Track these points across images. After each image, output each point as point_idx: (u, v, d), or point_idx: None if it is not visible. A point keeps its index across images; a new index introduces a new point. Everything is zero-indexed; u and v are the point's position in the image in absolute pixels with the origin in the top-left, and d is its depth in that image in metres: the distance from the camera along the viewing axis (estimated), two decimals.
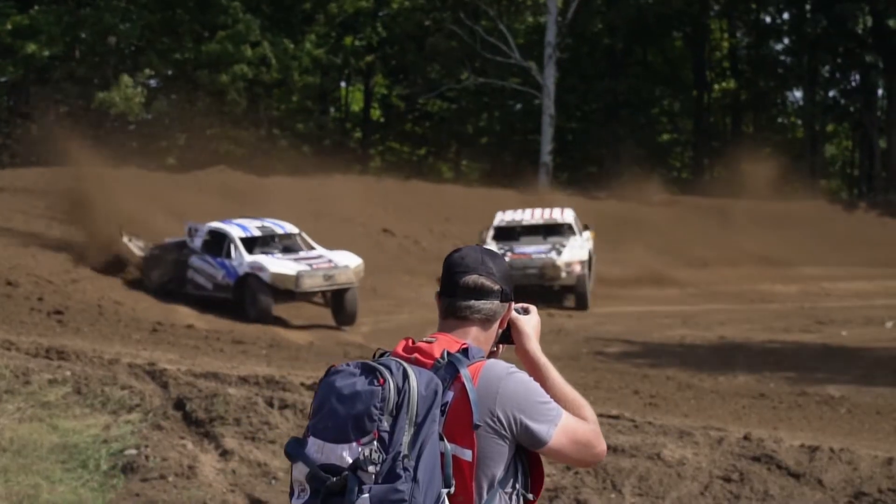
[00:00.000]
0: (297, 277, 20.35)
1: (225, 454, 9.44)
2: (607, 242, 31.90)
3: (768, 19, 48.33)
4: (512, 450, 3.34)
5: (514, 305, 3.57)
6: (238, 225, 22.21)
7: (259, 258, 20.99)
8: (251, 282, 20.64)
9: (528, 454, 3.39)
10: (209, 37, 41.68)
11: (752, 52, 49.10)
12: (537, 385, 3.39)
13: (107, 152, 40.07)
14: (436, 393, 3.23)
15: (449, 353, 3.33)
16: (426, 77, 45.83)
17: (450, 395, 3.28)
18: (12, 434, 9.90)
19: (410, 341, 3.41)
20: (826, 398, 14.82)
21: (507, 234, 26.20)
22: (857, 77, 45.01)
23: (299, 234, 22.47)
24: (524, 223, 26.37)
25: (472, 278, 3.46)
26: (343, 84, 50.90)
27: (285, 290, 20.57)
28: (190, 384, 10.65)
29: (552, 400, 3.38)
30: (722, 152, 49.10)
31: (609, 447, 9.55)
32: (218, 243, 21.65)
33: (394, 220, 32.78)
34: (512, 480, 3.37)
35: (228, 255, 21.27)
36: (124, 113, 41.05)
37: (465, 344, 3.39)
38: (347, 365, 3.30)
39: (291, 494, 3.26)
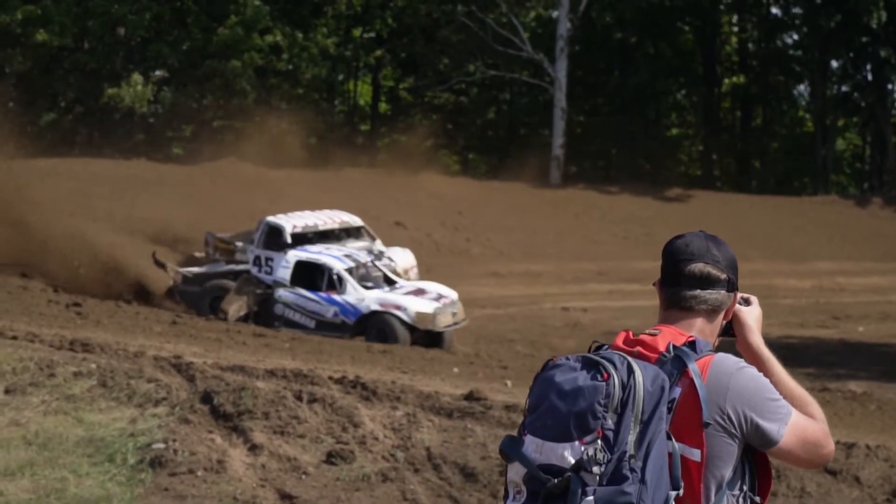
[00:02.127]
0: (435, 316, 19.23)
1: (254, 448, 9.33)
2: (620, 237, 31.82)
3: (777, 12, 48.19)
4: (740, 449, 3.16)
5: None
6: (330, 255, 20.57)
7: (388, 295, 19.66)
8: (382, 320, 19.18)
9: (755, 454, 3.22)
10: (218, 27, 41.52)
11: (762, 46, 48.94)
12: (767, 381, 3.21)
13: (114, 143, 40.10)
14: (662, 389, 3.04)
15: (675, 347, 3.15)
16: (436, 69, 45.70)
17: (677, 391, 3.10)
18: (38, 427, 9.80)
19: (630, 333, 3.22)
20: (853, 395, 14.71)
21: (304, 240, 23.05)
22: (870, 71, 44.84)
23: (373, 262, 21.23)
24: (320, 228, 23.35)
25: (699, 266, 3.28)
26: (348, 77, 50.74)
27: (424, 330, 19.21)
28: (217, 377, 10.52)
29: (782, 397, 3.20)
30: (731, 146, 49.03)
31: None
32: (312, 275, 20.03)
33: (405, 213, 32.67)
34: (739, 482, 3.19)
35: (333, 289, 19.70)
36: (132, 107, 40.92)
37: (691, 337, 3.20)
38: (567, 359, 3.10)
39: (506, 497, 3.09)
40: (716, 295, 3.29)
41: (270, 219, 22.92)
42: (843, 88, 46.38)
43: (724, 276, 3.30)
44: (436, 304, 19.37)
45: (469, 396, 10.67)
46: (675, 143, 51.21)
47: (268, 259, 20.28)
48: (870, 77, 44.95)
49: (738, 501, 3.19)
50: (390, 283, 20.53)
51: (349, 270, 19.96)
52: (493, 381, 14.26)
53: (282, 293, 19.86)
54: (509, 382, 14.25)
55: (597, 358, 3.06)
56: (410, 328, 19.07)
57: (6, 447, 9.36)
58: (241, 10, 40.74)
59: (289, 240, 22.01)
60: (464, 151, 51.64)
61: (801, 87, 50.14)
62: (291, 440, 9.50)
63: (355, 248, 22.79)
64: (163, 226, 24.99)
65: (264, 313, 19.81)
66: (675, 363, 3.13)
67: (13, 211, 22.32)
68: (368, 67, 49.36)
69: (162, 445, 9.29)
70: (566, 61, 41.14)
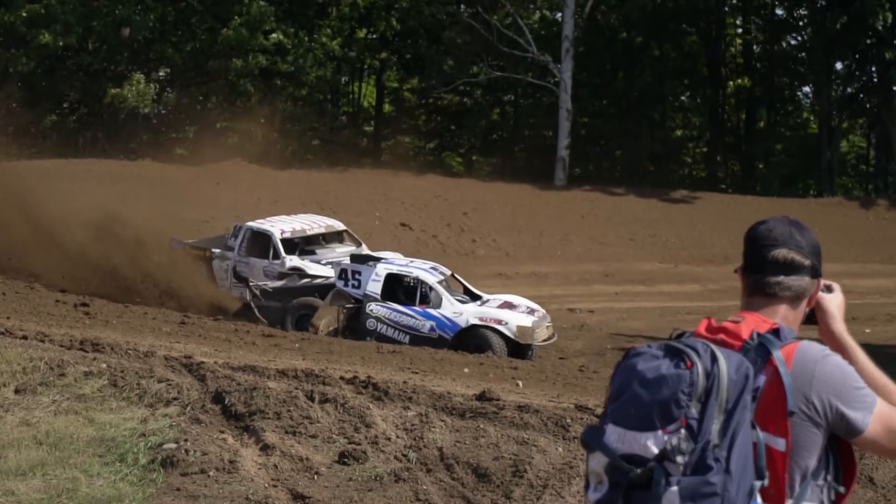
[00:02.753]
0: (534, 329, 18.73)
1: (266, 448, 9.28)
2: (625, 238, 31.78)
3: (781, 12, 48.12)
4: (825, 438, 3.13)
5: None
6: (420, 268, 19.93)
7: (486, 309, 19.08)
8: (480, 335, 18.64)
9: (839, 443, 3.18)
10: (222, 27, 41.47)
11: (767, 48, 48.90)
12: (853, 369, 3.17)
13: (118, 144, 40.09)
14: (746, 377, 3.00)
15: (759, 334, 3.12)
16: (441, 71, 45.64)
17: (761, 379, 3.06)
18: (48, 427, 9.76)
19: (713, 321, 3.19)
20: None
21: (292, 246, 22.01)
22: (875, 73, 44.77)
23: (452, 274, 20.62)
24: (308, 233, 22.40)
25: (782, 252, 3.24)
26: (353, 79, 50.74)
27: (524, 345, 18.74)
28: (228, 377, 10.49)
29: (866, 385, 3.16)
30: (736, 148, 48.99)
31: None
32: (401, 289, 19.45)
33: (411, 214, 32.66)
34: (824, 472, 3.16)
35: (426, 303, 19.14)
36: (136, 107, 40.89)
37: (775, 324, 3.16)
38: (649, 347, 3.06)
39: (587, 487, 3.04)
40: (800, 281, 3.26)
41: (253, 224, 22.14)
42: (848, 90, 46.29)
43: (807, 262, 3.27)
44: (533, 318, 18.93)
45: (481, 397, 10.63)
46: (680, 144, 51.18)
47: (355, 272, 19.53)
48: (875, 79, 44.89)
49: (822, 491, 3.16)
50: (472, 295, 19.96)
51: (441, 283, 19.43)
52: (503, 381, 14.24)
53: (374, 307, 19.20)
54: (520, 383, 14.23)
55: (680, 346, 3.02)
56: (507, 342, 18.59)
57: (17, 447, 9.32)
58: (245, 11, 40.71)
59: (280, 246, 21.33)
60: (468, 153, 51.62)
61: (806, 89, 50.13)
62: (303, 440, 9.46)
63: (344, 253, 22.08)
64: (168, 227, 24.89)
65: (354, 328, 19.17)
66: (760, 351, 3.09)
67: (19, 214, 22.22)
68: (372, 69, 49.33)
69: (173, 445, 9.24)
70: (571, 62, 41.08)
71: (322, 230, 22.60)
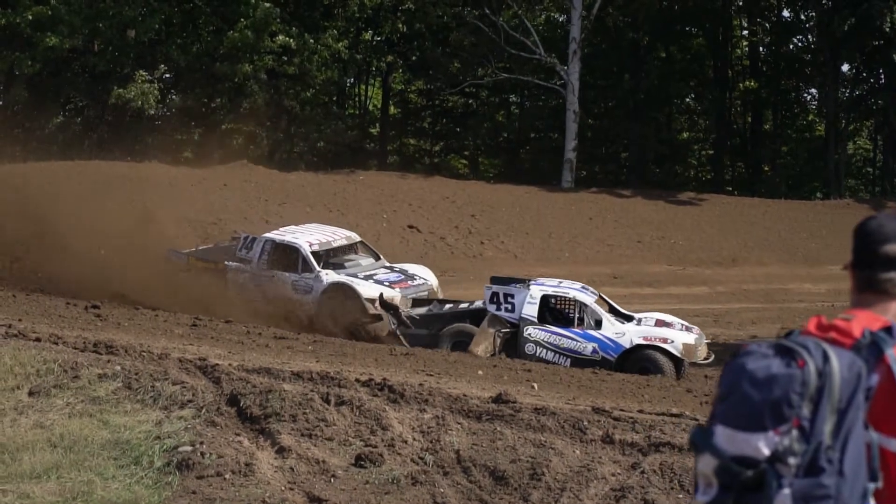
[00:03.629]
0: (696, 347, 18.06)
1: (282, 451, 9.25)
2: (633, 240, 31.72)
3: (787, 14, 48.04)
4: None
5: None
6: (573, 288, 19.23)
7: (649, 328, 18.43)
8: (645, 355, 17.98)
9: None
10: (228, 30, 41.42)
11: (773, 50, 48.83)
12: None
13: (124, 146, 40.06)
14: (859, 376, 2.95)
15: (871, 332, 3.07)
16: (447, 73, 45.61)
17: (874, 378, 3.00)
18: (63, 430, 9.73)
19: (823, 319, 3.14)
20: None
21: (318, 259, 21.08)
22: (883, 75, 44.69)
23: (599, 295, 19.98)
24: (333, 245, 21.67)
25: (894, 248, 3.20)
26: (359, 81, 50.72)
27: (680, 363, 18.04)
28: (243, 380, 10.43)
29: None
30: (742, 150, 48.94)
31: (674, 446, 9.34)
32: (552, 311, 18.92)
33: (418, 216, 32.60)
34: None
35: (582, 324, 18.42)
36: (141, 108, 40.83)
37: (887, 322, 3.12)
38: (759, 346, 3.00)
39: (696, 490, 2.98)
40: None
41: (275, 236, 21.43)
42: (856, 92, 46.21)
43: None
44: (694, 336, 18.40)
45: (497, 399, 10.57)
46: (686, 147, 51.11)
47: (507, 295, 18.76)
48: (882, 80, 44.81)
49: None
50: (618, 314, 19.24)
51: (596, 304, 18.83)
52: (518, 384, 14.17)
53: (532, 331, 18.52)
54: (535, 385, 14.16)
55: (790, 344, 2.96)
56: (673, 361, 18.00)
57: (31, 450, 9.29)
58: (251, 13, 40.68)
59: (312, 259, 20.58)
60: (474, 155, 51.57)
61: (813, 91, 50.07)
62: (319, 443, 9.42)
63: (369, 265, 21.63)
64: (176, 230, 24.87)
65: (511, 352, 18.43)
66: (872, 349, 3.04)
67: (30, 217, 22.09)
68: (378, 71, 49.28)
69: (189, 448, 9.20)
70: (578, 64, 41.01)
71: (344, 241, 21.94)
